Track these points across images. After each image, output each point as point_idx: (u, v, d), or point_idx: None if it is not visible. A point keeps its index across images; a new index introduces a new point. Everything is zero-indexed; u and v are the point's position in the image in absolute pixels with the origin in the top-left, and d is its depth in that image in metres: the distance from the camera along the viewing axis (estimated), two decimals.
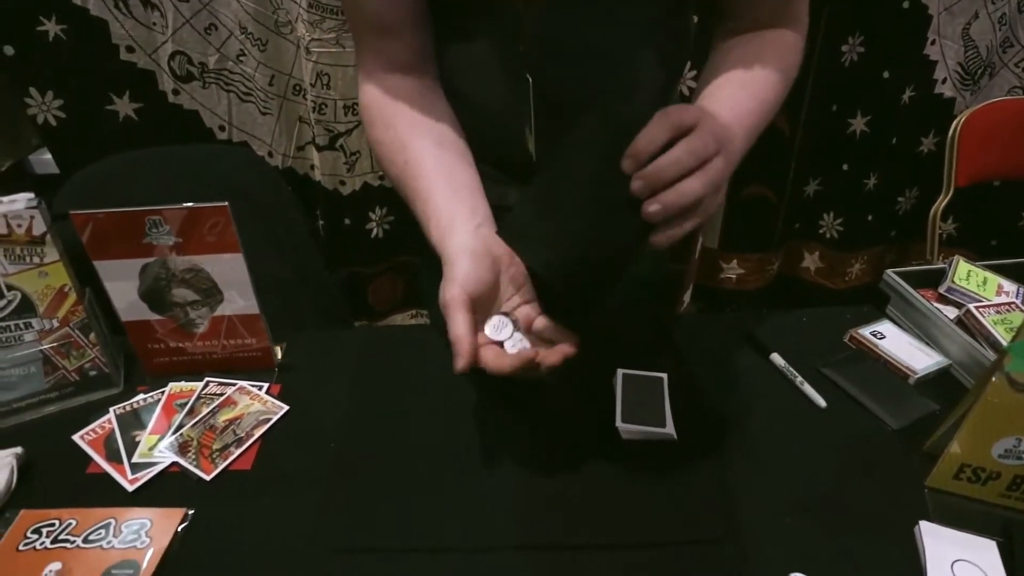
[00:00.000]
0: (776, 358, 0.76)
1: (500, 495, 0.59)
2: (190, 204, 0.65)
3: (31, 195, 0.64)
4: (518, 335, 0.57)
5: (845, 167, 1.66)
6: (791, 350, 0.76)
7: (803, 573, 0.52)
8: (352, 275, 1.67)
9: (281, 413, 0.69)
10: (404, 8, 0.66)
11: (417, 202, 0.64)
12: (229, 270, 0.68)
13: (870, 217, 1.74)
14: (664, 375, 0.66)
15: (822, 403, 0.69)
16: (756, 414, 0.68)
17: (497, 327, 0.57)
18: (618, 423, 0.61)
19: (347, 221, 1.58)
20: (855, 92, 1.55)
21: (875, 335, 0.78)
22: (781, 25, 0.68)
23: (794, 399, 0.71)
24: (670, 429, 0.60)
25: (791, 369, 0.74)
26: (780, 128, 1.57)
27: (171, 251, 0.67)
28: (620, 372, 0.66)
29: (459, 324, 0.52)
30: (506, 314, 0.58)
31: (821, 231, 1.79)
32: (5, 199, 0.64)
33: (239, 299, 0.70)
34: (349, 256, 1.63)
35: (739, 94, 0.61)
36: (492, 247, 0.58)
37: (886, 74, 1.53)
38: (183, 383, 0.73)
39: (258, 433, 0.66)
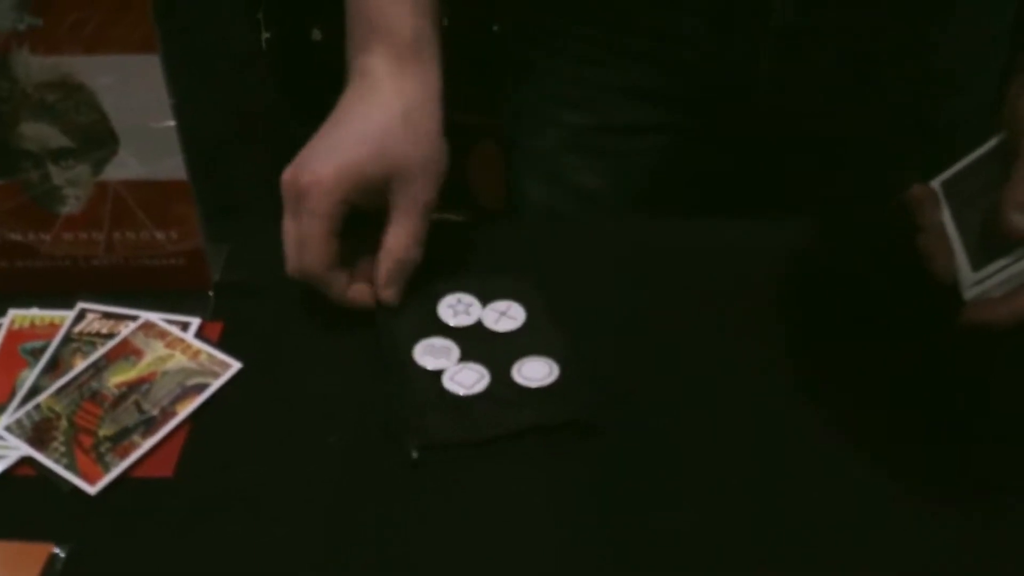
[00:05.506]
0: None
1: None
2: None
3: None
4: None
5: None
6: None
7: None
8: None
9: (227, 375, 0.42)
10: None
11: None
12: (134, 89, 0.39)
13: None
14: None
15: None
16: None
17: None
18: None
19: (316, 34, 1.01)
20: None
21: None
22: None
23: None
24: None
25: None
26: None
27: (20, 42, 0.37)
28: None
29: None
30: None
31: None
32: None
33: (150, 152, 0.41)
34: (319, 96, 1.02)
35: None
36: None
37: None
38: (35, 311, 0.46)
39: (184, 411, 0.39)
